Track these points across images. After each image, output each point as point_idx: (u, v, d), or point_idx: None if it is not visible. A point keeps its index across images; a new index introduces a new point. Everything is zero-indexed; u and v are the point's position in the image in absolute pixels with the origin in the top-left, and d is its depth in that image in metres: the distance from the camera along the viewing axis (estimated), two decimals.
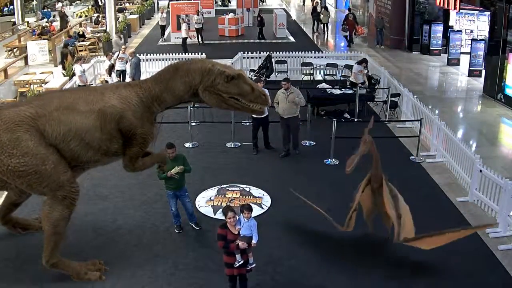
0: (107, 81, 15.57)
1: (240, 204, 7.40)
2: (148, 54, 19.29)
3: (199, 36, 25.78)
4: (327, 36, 28.49)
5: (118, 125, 7.42)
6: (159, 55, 19.55)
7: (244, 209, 6.67)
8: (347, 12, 27.81)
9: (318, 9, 30.30)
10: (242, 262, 6.63)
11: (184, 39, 23.77)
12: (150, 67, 18.82)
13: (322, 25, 28.50)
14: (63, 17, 28.93)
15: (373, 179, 8.24)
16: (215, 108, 8.16)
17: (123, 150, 7.68)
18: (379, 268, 7.90)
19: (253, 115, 8.38)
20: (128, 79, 16.65)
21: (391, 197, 8.03)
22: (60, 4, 38.16)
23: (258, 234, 6.65)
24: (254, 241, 6.58)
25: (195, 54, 19.25)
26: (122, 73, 16.88)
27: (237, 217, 6.65)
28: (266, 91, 11.69)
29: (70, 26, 27.86)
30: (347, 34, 25.02)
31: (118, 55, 17.23)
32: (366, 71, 15.53)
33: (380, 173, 8.19)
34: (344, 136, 11.69)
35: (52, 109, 7.27)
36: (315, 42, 26.76)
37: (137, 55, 17.43)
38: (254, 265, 6.79)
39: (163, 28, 27.18)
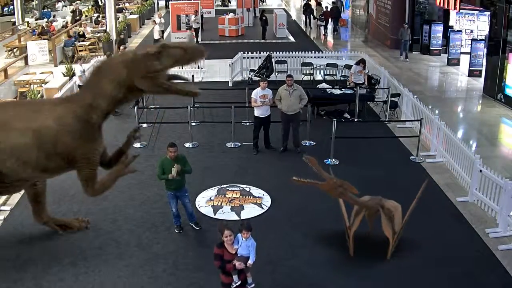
0: None
1: (240, 223, 6.86)
2: None
3: (197, 36, 25.79)
4: (321, 31, 29.08)
5: (56, 148, 7.21)
6: None
7: (243, 229, 6.38)
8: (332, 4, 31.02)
9: (313, 5, 31.76)
10: (239, 282, 6.40)
11: (156, 41, 23.42)
12: None
13: (315, 20, 30.03)
14: (75, 14, 29.54)
15: (369, 212, 8.20)
16: (159, 93, 7.69)
17: (63, 167, 7.50)
18: (379, 268, 7.90)
19: (197, 95, 7.64)
20: None
21: (388, 219, 8.04)
22: (60, 4, 38.23)
23: (256, 254, 6.43)
24: (250, 262, 6.33)
25: None
26: None
27: (234, 236, 6.35)
28: (268, 92, 11.85)
29: (80, 22, 28.21)
30: (323, 23, 28.10)
31: None
32: (365, 71, 15.54)
33: (375, 207, 8.16)
34: (344, 136, 11.71)
35: None
36: (312, 35, 27.01)
37: None
38: (253, 285, 6.53)
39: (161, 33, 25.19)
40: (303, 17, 32.10)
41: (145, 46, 7.49)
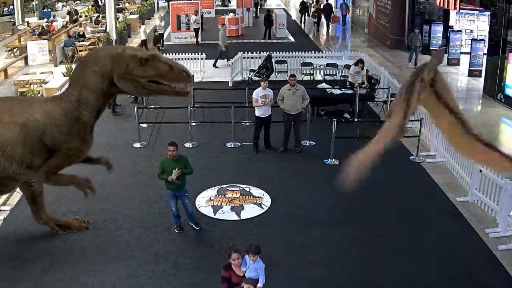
0: None
1: (248, 245, 6.28)
2: None
3: (197, 36, 25.81)
4: (317, 28, 30.56)
5: (42, 141, 7.20)
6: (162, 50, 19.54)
7: (250, 252, 6.04)
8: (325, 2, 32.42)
9: (308, 3, 33.14)
10: None
11: (143, 42, 22.93)
12: None
13: (309, 17, 31.84)
14: (71, 15, 29.52)
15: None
16: (136, 95, 7.68)
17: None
18: (379, 268, 7.90)
19: (180, 96, 7.44)
20: None
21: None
22: (60, 4, 38.24)
23: (265, 276, 6.18)
24: (260, 285, 6.10)
25: (195, 54, 19.25)
26: None
27: (241, 259, 6.08)
28: (269, 92, 11.86)
29: (78, 22, 28.22)
30: (316, 20, 30.20)
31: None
32: (364, 72, 15.55)
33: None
34: (344, 136, 11.70)
35: None
36: (307, 32, 27.27)
37: None
38: None
39: (161, 36, 24.80)
40: (299, 15, 33.29)
41: (139, 49, 7.38)
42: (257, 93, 11.85)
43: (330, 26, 30.36)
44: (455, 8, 20.01)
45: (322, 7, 30.82)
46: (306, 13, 32.62)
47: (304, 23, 32.22)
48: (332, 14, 30.60)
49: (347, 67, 17.49)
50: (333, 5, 37.85)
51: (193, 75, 16.44)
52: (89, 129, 7.53)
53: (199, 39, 25.86)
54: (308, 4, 33.28)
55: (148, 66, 6.86)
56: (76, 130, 7.29)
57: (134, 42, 26.30)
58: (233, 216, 9.38)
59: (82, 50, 22.69)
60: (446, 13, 22.96)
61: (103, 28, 25.42)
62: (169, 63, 6.98)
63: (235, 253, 5.97)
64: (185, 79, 7.01)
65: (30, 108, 7.29)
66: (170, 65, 6.92)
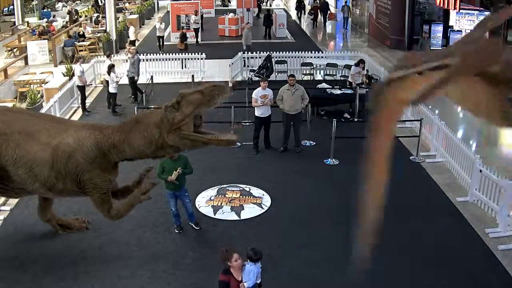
0: (107, 81, 15.56)
1: (246, 248, 6.31)
2: (149, 54, 19.29)
3: (197, 36, 25.82)
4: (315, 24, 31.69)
5: (67, 166, 7.28)
6: (159, 55, 19.58)
7: (254, 258, 6.02)
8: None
9: (306, 1, 35.24)
10: None
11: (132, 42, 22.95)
12: (150, 67, 18.81)
13: (306, 15, 33.22)
14: (71, 15, 29.60)
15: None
16: (184, 148, 7.40)
17: (70, 190, 7.57)
18: (379, 268, 7.89)
19: (229, 141, 7.33)
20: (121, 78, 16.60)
21: None
22: (60, 4, 38.23)
23: (256, 280, 6.09)
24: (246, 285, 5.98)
25: (195, 54, 19.25)
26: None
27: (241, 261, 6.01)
28: (269, 92, 11.86)
29: (78, 22, 28.30)
30: (312, 17, 31.54)
31: None
32: (364, 72, 15.55)
33: None
34: (344, 136, 11.70)
35: (16, 130, 7.28)
36: (305, 29, 27.27)
37: (138, 54, 17.44)
38: None
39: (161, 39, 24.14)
40: (296, 12, 34.41)
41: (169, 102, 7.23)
42: (257, 93, 11.86)
43: (327, 24, 31.29)
44: (455, 8, 20.01)
45: (319, 4, 31.97)
46: (303, 11, 33.61)
47: (301, 20, 33.14)
48: (329, 12, 31.70)
49: (347, 67, 17.50)
50: (333, 4, 38.13)
51: (193, 75, 16.68)
52: (112, 165, 7.61)
53: (199, 39, 25.88)
54: (304, 2, 34.46)
55: (183, 106, 6.86)
56: (100, 161, 7.38)
57: None
58: (233, 216, 9.38)
59: (82, 50, 22.71)
60: (446, 13, 22.95)
61: (103, 28, 25.41)
62: (198, 89, 6.97)
63: (235, 253, 5.91)
64: (219, 93, 6.91)
65: (65, 132, 7.41)
66: (199, 91, 6.89)
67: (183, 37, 19.89)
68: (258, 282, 6.11)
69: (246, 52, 19.27)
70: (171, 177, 8.22)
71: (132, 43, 22.65)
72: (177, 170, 8.22)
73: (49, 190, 7.53)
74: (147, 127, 7.12)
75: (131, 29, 23.52)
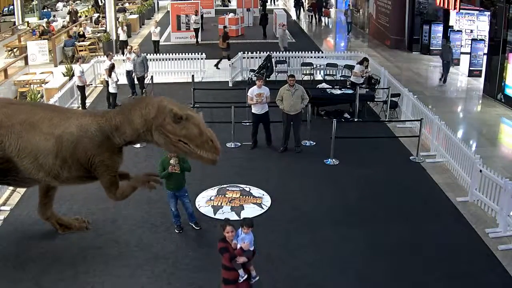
0: (107, 81, 15.57)
1: (242, 219, 6.90)
2: (148, 54, 19.29)
3: (197, 36, 25.82)
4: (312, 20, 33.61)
5: (75, 154, 7.35)
6: (159, 55, 19.58)
7: (244, 225, 6.49)
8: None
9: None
10: (246, 276, 6.43)
11: (123, 42, 22.79)
12: (150, 67, 18.76)
13: (305, 12, 34.76)
14: (72, 15, 29.72)
15: None
16: (165, 149, 7.67)
17: (75, 177, 7.62)
18: (379, 268, 7.90)
19: (212, 164, 7.26)
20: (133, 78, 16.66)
21: None
22: (60, 4, 38.23)
23: (253, 245, 6.52)
24: (251, 248, 6.46)
25: (195, 54, 19.25)
26: (129, 73, 16.75)
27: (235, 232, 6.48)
28: (265, 90, 11.89)
29: (78, 22, 28.29)
30: (311, 13, 33.38)
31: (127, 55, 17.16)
32: (369, 70, 15.59)
33: None
34: (344, 136, 11.71)
35: (17, 121, 7.35)
36: (303, 26, 27.58)
37: (143, 54, 17.45)
38: (257, 278, 6.58)
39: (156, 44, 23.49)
40: (295, 10, 35.45)
41: (182, 106, 7.40)
42: (252, 91, 11.98)
43: (323, 20, 33.33)
44: (455, 8, 20.01)
45: (315, 1, 33.52)
46: (302, 8, 34.89)
47: (299, 18, 34.33)
48: (324, 9, 33.63)
49: (347, 67, 17.51)
50: (334, 3, 38.29)
51: (193, 75, 16.66)
52: (118, 149, 7.68)
53: (199, 39, 25.89)
54: (302, 0, 35.86)
55: (180, 125, 7.01)
56: (106, 144, 7.47)
57: (133, 42, 26.34)
58: (233, 216, 9.37)
59: (82, 50, 22.71)
60: (446, 13, 22.96)
61: (103, 28, 25.42)
62: (201, 127, 7.05)
63: (229, 226, 6.38)
64: (209, 149, 7.03)
65: (67, 121, 7.47)
66: (200, 131, 7.00)
67: (225, 37, 19.88)
68: (252, 248, 6.48)
69: (246, 52, 19.27)
70: (171, 167, 8.23)
71: (125, 43, 22.44)
72: (173, 159, 8.23)
73: (54, 179, 7.59)
74: (147, 105, 7.24)
75: (120, 31, 23.32)
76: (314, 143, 12.69)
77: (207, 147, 7.04)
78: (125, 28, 23.61)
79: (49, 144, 7.30)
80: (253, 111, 12.16)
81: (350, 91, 14.78)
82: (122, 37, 23.08)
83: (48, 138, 7.31)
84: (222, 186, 10.50)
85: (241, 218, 9.27)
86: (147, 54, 19.01)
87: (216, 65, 20.09)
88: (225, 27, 23.30)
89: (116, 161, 7.67)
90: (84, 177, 7.71)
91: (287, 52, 19.66)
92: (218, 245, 6.47)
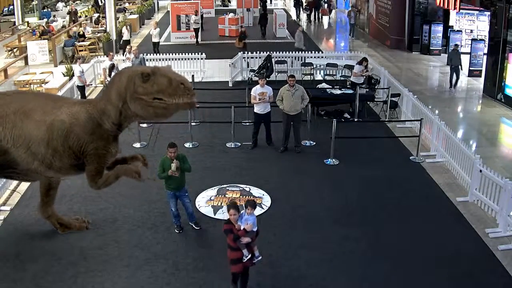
0: (107, 81, 15.57)
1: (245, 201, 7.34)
2: (148, 54, 19.30)
3: (197, 36, 25.84)
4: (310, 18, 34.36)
5: (67, 142, 7.30)
6: (159, 55, 19.58)
7: (248, 205, 6.88)
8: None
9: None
10: (250, 255, 6.72)
11: (126, 42, 22.66)
12: None
13: (303, 11, 35.16)
14: (71, 15, 29.84)
15: None
16: (146, 118, 7.57)
17: (69, 168, 7.57)
18: (379, 268, 7.90)
19: (191, 107, 7.30)
20: None
21: None
22: (60, 4, 38.22)
23: (256, 226, 6.86)
24: (254, 228, 6.75)
25: (195, 54, 19.25)
26: None
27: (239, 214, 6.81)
28: (268, 90, 11.89)
29: (78, 22, 28.33)
30: (308, 12, 34.17)
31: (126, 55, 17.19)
32: (367, 70, 15.58)
33: None
34: (344, 136, 11.71)
35: (10, 111, 7.32)
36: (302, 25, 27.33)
37: (141, 54, 17.46)
38: (260, 257, 6.87)
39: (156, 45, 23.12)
40: (295, 10, 35.90)
41: (152, 66, 7.21)
42: (255, 90, 11.99)
43: (321, 18, 34.14)
44: (455, 8, 20.02)
45: (312, 0, 34.14)
46: (301, 8, 35.20)
47: (299, 17, 34.83)
48: (321, 8, 34.32)
49: (347, 67, 17.52)
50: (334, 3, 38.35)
51: (193, 75, 16.65)
52: (112, 137, 7.59)
53: (199, 39, 25.91)
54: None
55: (150, 82, 6.84)
56: (98, 131, 7.40)
57: (133, 42, 26.33)
58: None
59: (82, 50, 22.71)
60: (446, 13, 22.97)
61: (103, 28, 25.42)
62: (169, 75, 6.85)
63: (232, 209, 6.70)
64: (183, 93, 6.80)
65: (58, 109, 7.43)
66: (169, 79, 6.82)
67: (243, 36, 19.87)
68: (255, 229, 6.79)
69: (246, 52, 19.27)
70: (171, 170, 8.22)
71: (127, 43, 22.44)
72: (174, 162, 8.22)
73: (48, 168, 7.54)
74: (120, 79, 7.12)
75: (124, 30, 23.33)
76: (314, 143, 12.69)
77: (180, 92, 6.80)
78: (128, 27, 23.60)
79: (40, 132, 7.26)
80: (255, 110, 12.14)
81: (350, 91, 14.78)
82: (126, 36, 23.07)
83: (40, 126, 7.27)
84: (222, 186, 10.50)
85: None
86: (146, 55, 19.05)
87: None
88: (241, 26, 23.29)
89: (110, 152, 7.58)
90: (77, 166, 7.61)
91: (287, 52, 19.66)
92: (223, 227, 6.75)
